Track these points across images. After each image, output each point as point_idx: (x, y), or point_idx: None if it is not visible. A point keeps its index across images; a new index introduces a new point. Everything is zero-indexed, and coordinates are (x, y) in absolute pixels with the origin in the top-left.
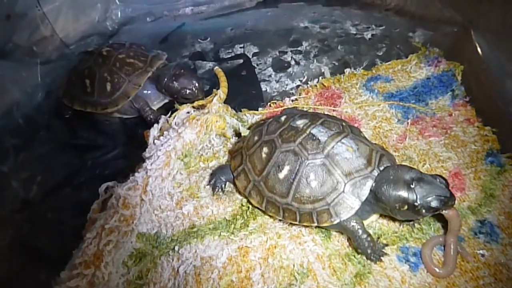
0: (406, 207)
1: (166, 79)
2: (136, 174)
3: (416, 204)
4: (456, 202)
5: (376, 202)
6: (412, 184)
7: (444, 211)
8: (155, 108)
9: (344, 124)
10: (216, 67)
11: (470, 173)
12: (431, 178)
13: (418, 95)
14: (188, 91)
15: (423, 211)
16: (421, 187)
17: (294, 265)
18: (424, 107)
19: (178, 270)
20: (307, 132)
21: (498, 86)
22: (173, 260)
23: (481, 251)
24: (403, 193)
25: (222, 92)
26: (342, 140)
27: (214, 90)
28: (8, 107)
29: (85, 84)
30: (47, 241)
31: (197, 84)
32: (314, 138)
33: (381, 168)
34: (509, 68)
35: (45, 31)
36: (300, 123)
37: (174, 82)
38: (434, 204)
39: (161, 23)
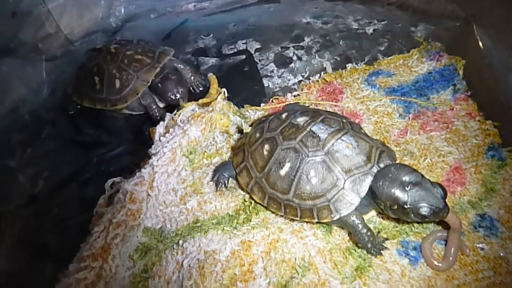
0: (396, 206)
1: (155, 79)
2: (143, 170)
3: (405, 206)
4: (456, 196)
5: (372, 197)
6: (408, 187)
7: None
8: (161, 105)
9: (344, 121)
10: (211, 74)
11: (471, 167)
12: (429, 185)
13: (420, 89)
14: (171, 96)
15: (412, 215)
16: (416, 191)
17: (295, 259)
18: (426, 102)
19: (182, 263)
20: (308, 129)
21: (500, 80)
22: (177, 254)
23: (480, 245)
24: (396, 193)
25: (208, 96)
26: (342, 137)
27: (218, 88)
28: (14, 104)
29: (94, 81)
30: (53, 235)
31: (180, 92)
32: (315, 135)
33: (381, 165)
34: (511, 63)
35: (50, 28)
36: (300, 120)
37: (159, 85)
38: (423, 211)
39: (164, 20)
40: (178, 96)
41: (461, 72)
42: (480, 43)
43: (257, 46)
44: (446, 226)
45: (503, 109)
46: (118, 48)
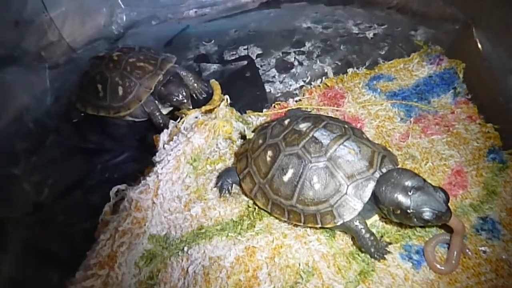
0: (399, 211)
1: (158, 86)
2: (148, 178)
3: (408, 211)
4: (458, 199)
5: (375, 203)
6: (410, 191)
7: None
8: (165, 112)
9: (346, 126)
10: (213, 80)
11: (472, 170)
12: (432, 189)
13: (421, 93)
14: (174, 98)
15: (415, 220)
16: (419, 196)
17: (299, 264)
18: (427, 105)
19: (187, 270)
20: (310, 135)
21: (499, 83)
22: (182, 260)
23: (483, 248)
24: (399, 198)
25: (211, 103)
26: (344, 143)
27: (221, 95)
28: (18, 112)
29: (97, 89)
30: (59, 243)
31: (183, 92)
32: (317, 141)
33: (383, 170)
34: (510, 65)
35: (52, 36)
36: (303, 126)
37: (162, 88)
38: (426, 215)
39: (166, 26)
40: (181, 96)
41: (461, 76)
42: (480, 46)
43: (258, 51)
44: (449, 230)
45: (504, 112)
46: (121, 56)
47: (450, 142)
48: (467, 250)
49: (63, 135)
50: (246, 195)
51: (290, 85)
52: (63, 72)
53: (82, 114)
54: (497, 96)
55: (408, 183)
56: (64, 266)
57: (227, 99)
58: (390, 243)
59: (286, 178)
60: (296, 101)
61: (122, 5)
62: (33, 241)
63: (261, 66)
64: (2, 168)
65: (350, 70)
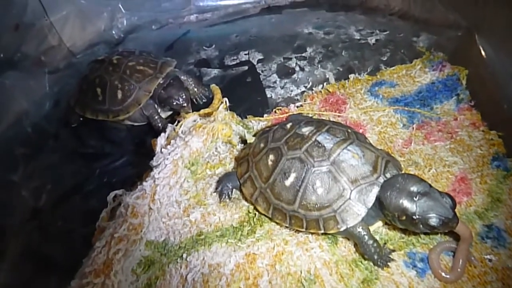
0: (404, 217)
1: (158, 89)
2: (144, 182)
3: (414, 217)
4: (463, 206)
5: (379, 208)
6: (416, 197)
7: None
8: (164, 116)
9: (349, 130)
10: (213, 84)
11: (476, 177)
12: (438, 195)
13: (423, 99)
14: (175, 101)
15: (421, 226)
16: (425, 202)
17: (301, 272)
18: (429, 112)
19: (186, 277)
20: (313, 139)
21: (503, 89)
22: (181, 267)
23: (488, 256)
24: (404, 203)
25: (211, 108)
26: (348, 147)
27: (221, 99)
28: (17, 116)
29: (97, 93)
30: (57, 249)
31: (184, 96)
32: (320, 145)
33: (387, 175)
34: None
35: (52, 40)
36: (305, 130)
37: (162, 92)
38: (432, 222)
39: (167, 31)
40: (181, 100)
41: (464, 82)
42: (483, 52)
43: (260, 57)
44: (455, 237)
45: (507, 119)
46: (120, 59)
47: (453, 149)
48: (473, 258)
49: (62, 139)
50: (246, 200)
51: (291, 91)
52: (63, 77)
53: (81, 119)
54: (500, 102)
55: (414, 188)
56: (62, 272)
57: (226, 101)
58: (393, 250)
59: (288, 182)
60: (297, 107)
61: (123, 10)
62: (32, 247)
63: (262, 71)
64: (1, 174)
65: (351, 76)
